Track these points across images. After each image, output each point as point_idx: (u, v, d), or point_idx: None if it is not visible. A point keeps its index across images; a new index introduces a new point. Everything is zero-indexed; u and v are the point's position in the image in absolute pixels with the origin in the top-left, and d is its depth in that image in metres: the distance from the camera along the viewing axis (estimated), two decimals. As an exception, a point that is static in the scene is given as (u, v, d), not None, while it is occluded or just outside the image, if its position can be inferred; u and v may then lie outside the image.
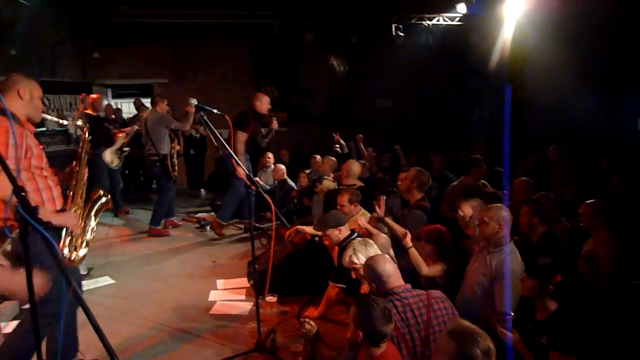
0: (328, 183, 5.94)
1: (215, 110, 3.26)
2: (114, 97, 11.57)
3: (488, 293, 3.16)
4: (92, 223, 2.95)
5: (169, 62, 10.77)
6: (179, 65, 10.83)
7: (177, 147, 7.24)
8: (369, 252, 3.26)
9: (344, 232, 3.88)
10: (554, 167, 6.51)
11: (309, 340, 2.95)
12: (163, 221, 6.80)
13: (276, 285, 4.04)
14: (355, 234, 3.87)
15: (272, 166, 7.85)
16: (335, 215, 4.01)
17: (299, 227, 4.64)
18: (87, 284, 4.61)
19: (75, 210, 2.86)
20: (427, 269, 3.52)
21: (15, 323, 3.84)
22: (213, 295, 4.50)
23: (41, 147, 2.75)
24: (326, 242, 4.04)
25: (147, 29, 9.84)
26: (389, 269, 2.76)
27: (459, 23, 10.21)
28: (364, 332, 2.31)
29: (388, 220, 3.93)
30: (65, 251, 2.72)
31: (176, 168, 6.90)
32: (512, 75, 9.47)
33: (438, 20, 10.20)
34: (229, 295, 4.51)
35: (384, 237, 3.73)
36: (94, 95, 7.38)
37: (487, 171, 5.65)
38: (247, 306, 4.23)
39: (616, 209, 4.02)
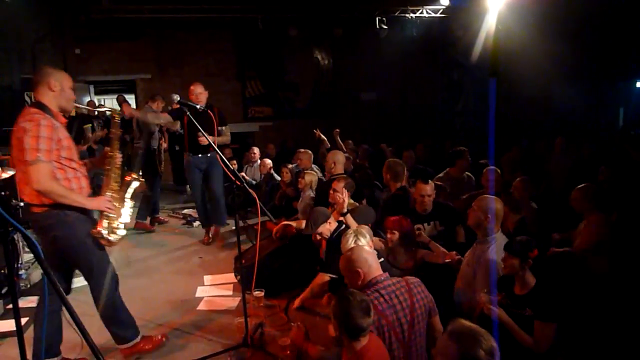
0: (311, 177, 5.91)
1: (198, 106, 3.26)
2: (96, 93, 11.46)
3: (472, 282, 3.23)
4: (128, 205, 3.06)
5: (151, 57, 10.67)
6: (162, 61, 10.74)
7: (164, 145, 7.21)
8: (366, 240, 3.30)
9: (332, 223, 3.92)
10: (556, 158, 6.71)
11: (296, 344, 2.99)
12: (148, 218, 6.76)
13: (263, 279, 4.05)
14: (344, 226, 3.91)
15: (259, 161, 7.85)
16: (321, 211, 4.05)
17: (285, 222, 4.65)
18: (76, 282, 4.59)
19: (111, 195, 2.99)
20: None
21: (1, 322, 3.85)
22: (200, 291, 4.50)
23: (70, 139, 2.88)
24: (316, 239, 4.08)
25: (129, 24, 9.72)
26: (370, 258, 2.78)
27: (443, 15, 10.25)
28: (342, 326, 2.33)
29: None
30: (104, 233, 2.89)
31: (162, 164, 6.89)
32: (496, 67, 9.53)
33: (422, 13, 10.23)
34: (217, 291, 4.52)
35: (366, 229, 3.77)
36: None
37: (471, 163, 5.72)
38: (234, 301, 4.24)
39: (607, 197, 4.13)
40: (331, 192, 4.37)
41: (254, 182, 7.39)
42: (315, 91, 11.82)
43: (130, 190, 3.10)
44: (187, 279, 4.82)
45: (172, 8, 9.27)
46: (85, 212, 2.88)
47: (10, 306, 4.13)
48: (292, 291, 4.22)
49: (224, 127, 5.63)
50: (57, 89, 2.83)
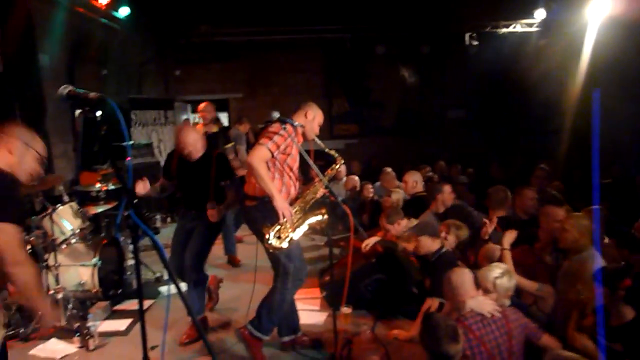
0: (398, 195, 5.87)
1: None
2: (193, 111, 12.17)
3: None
4: (304, 227, 3.28)
5: (244, 77, 11.21)
6: (253, 81, 11.24)
7: None
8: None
9: (436, 244, 3.85)
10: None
11: None
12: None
13: (349, 296, 4.04)
14: (445, 249, 3.84)
15: (345, 178, 7.89)
16: (432, 225, 4.02)
17: (375, 239, 4.63)
18: (168, 290, 4.86)
19: (296, 210, 3.27)
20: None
21: (107, 322, 4.14)
22: (288, 305, 4.57)
23: (297, 155, 3.39)
24: (411, 247, 4.02)
25: (224, 46, 10.32)
26: (468, 281, 2.75)
27: (537, 29, 9.83)
28: (429, 353, 2.25)
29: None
30: (270, 236, 3.14)
31: None
32: (597, 82, 8.93)
33: (514, 27, 9.88)
34: (303, 305, 4.56)
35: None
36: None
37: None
38: (321, 317, 4.27)
39: None
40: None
41: (339, 199, 7.43)
42: (401, 109, 11.75)
43: (313, 219, 3.31)
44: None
45: (265, 31, 9.70)
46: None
47: (117, 307, 4.47)
48: (379, 309, 4.17)
49: None
50: (310, 118, 3.46)
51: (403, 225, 4.68)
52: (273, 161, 3.22)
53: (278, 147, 3.16)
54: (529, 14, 9.52)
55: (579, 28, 8.54)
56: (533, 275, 3.39)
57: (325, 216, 3.29)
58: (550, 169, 6.84)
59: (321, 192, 3.34)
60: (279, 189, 3.21)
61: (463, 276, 2.82)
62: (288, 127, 3.25)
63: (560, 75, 9.88)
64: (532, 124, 11.38)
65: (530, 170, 7.13)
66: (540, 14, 9.25)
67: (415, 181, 5.47)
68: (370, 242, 4.60)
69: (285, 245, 3.17)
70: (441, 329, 2.22)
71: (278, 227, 3.15)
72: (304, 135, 3.48)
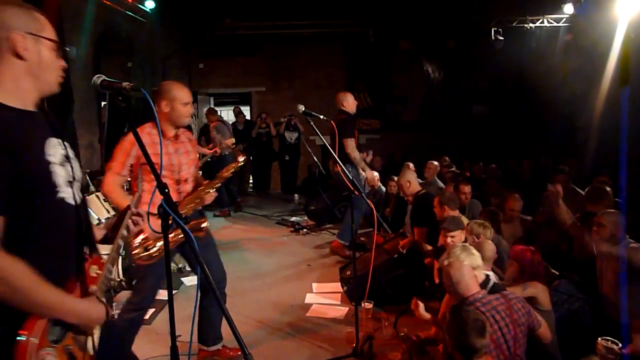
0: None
1: (321, 117, 3.34)
2: (215, 104, 12.26)
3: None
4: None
5: (266, 71, 11.23)
6: (275, 74, 11.26)
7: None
8: (467, 259, 3.13)
9: (460, 237, 3.81)
10: None
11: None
12: None
13: (371, 292, 4.03)
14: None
15: (364, 173, 7.85)
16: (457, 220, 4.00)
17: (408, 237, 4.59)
18: (190, 280, 4.92)
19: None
20: None
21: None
22: (309, 298, 4.58)
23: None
24: (447, 241, 3.95)
25: (247, 40, 10.34)
26: (467, 275, 2.70)
27: (565, 24, 9.61)
28: (456, 345, 2.23)
29: None
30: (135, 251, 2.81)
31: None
32: (626, 78, 8.70)
33: (542, 22, 9.68)
34: (324, 299, 4.57)
35: (489, 244, 3.55)
36: None
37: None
38: (342, 311, 4.26)
39: None
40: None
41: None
42: (424, 104, 11.63)
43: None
44: (296, 285, 4.94)
45: (288, 24, 9.69)
46: None
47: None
48: (399, 305, 4.15)
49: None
50: (168, 109, 2.92)
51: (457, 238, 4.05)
52: None
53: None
54: (557, 9, 9.31)
55: (608, 24, 8.33)
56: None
57: (205, 224, 2.88)
58: (577, 167, 6.69)
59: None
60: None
61: (462, 269, 2.73)
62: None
63: (587, 72, 9.66)
64: (558, 121, 11.16)
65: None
66: (568, 8, 9.04)
67: (407, 181, 5.31)
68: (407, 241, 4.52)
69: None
70: (470, 323, 2.21)
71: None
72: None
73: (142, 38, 8.48)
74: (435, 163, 6.97)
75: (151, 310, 4.19)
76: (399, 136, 11.24)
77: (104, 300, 1.54)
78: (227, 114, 13.79)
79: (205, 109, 10.82)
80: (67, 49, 6.26)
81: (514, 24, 9.69)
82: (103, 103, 7.70)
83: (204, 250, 2.92)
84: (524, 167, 8.17)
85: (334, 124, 3.29)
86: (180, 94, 2.94)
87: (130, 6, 7.56)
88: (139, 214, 1.80)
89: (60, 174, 1.50)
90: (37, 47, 1.46)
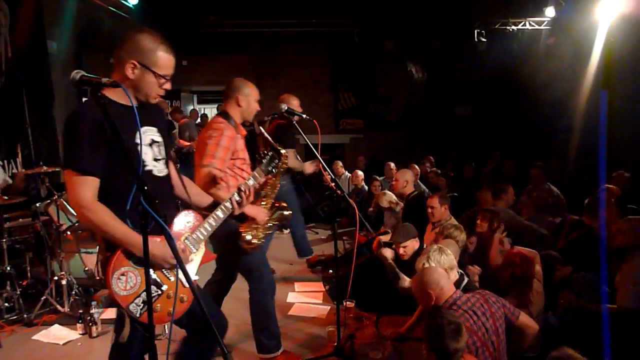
0: (389, 197, 5.77)
1: (304, 116, 3.34)
2: (199, 102, 12.17)
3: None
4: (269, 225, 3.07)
5: (251, 69, 11.17)
6: (260, 72, 11.19)
7: None
8: (443, 261, 3.17)
9: (413, 246, 3.86)
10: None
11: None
12: None
13: (352, 291, 4.04)
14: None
15: (346, 173, 7.90)
16: (413, 228, 3.98)
17: (380, 237, 4.61)
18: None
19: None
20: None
21: (111, 309, 4.15)
22: (291, 297, 4.59)
23: (246, 150, 3.07)
24: (402, 254, 4.00)
25: (231, 38, 10.29)
26: (443, 280, 2.72)
27: (547, 27, 9.76)
28: (432, 349, 2.24)
29: None
30: (248, 236, 2.90)
31: None
32: (607, 80, 8.86)
33: (524, 25, 9.81)
34: (306, 298, 4.57)
35: (453, 244, 3.61)
36: None
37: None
38: (324, 310, 4.27)
39: None
40: (429, 210, 4.34)
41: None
42: (407, 104, 11.72)
43: (276, 214, 3.07)
44: (278, 284, 4.87)
45: (273, 23, 9.67)
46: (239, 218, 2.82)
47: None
48: (380, 305, 4.17)
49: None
50: (244, 104, 3.05)
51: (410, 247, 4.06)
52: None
53: (224, 159, 2.92)
54: (539, 12, 9.45)
55: (588, 27, 8.47)
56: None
57: (287, 211, 3.11)
58: (558, 168, 6.79)
59: (278, 186, 3.06)
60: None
61: (434, 274, 2.74)
62: (224, 125, 2.97)
63: (568, 74, 9.82)
64: (539, 122, 11.33)
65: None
66: (550, 12, 9.18)
67: (406, 181, 5.32)
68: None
69: (259, 242, 2.97)
70: (445, 325, 2.21)
71: (256, 228, 2.91)
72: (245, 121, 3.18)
73: (125, 34, 8.37)
74: (416, 167, 6.98)
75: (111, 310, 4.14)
76: (382, 136, 11.30)
77: (197, 246, 2.15)
78: (210, 111, 13.69)
79: (190, 108, 10.76)
80: (48, 44, 6.17)
81: (496, 26, 9.81)
82: (84, 99, 7.59)
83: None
84: (506, 167, 8.29)
85: (316, 122, 3.26)
86: (253, 91, 3.09)
87: (114, 2, 7.46)
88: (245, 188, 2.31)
89: (148, 154, 2.03)
90: (143, 73, 1.98)
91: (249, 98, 3.06)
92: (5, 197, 4.05)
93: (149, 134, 2.05)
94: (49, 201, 4.27)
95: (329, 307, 4.28)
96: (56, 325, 3.89)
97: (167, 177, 2.14)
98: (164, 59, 2.00)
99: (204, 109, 14.22)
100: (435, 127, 11.35)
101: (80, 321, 3.79)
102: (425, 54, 11.25)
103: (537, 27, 9.80)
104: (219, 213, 2.24)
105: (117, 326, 2.03)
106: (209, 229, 2.19)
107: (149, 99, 2.01)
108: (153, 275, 1.93)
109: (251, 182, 2.45)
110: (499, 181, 6.43)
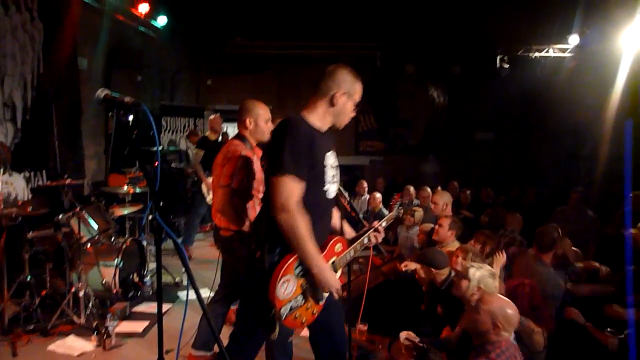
0: (420, 213, 5.81)
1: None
2: (223, 121, 12.36)
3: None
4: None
5: (273, 89, 11.35)
6: (282, 93, 11.38)
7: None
8: (490, 287, 3.02)
9: (445, 271, 3.78)
10: None
11: None
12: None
13: (365, 313, 4.00)
14: (453, 274, 3.75)
15: (367, 195, 7.90)
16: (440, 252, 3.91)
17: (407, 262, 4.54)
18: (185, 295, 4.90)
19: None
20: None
21: (125, 323, 4.20)
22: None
23: (262, 171, 3.06)
24: (421, 276, 3.94)
25: (255, 59, 10.50)
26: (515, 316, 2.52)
27: (570, 54, 9.72)
28: None
29: None
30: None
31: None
32: (632, 109, 8.75)
33: (547, 52, 9.79)
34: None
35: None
36: (212, 117, 7.02)
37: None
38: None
39: None
40: (436, 227, 4.30)
41: (361, 215, 7.42)
42: (428, 128, 11.72)
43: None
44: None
45: (296, 44, 9.85)
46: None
47: (136, 309, 4.53)
48: (393, 329, 4.11)
49: None
50: (252, 126, 3.14)
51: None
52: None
53: (242, 180, 3.07)
54: (563, 39, 9.43)
55: (612, 55, 8.42)
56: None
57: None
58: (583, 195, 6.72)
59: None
60: (248, 215, 3.05)
61: (512, 309, 2.48)
62: (240, 147, 3.14)
63: (591, 102, 9.72)
64: (560, 150, 11.19)
65: (564, 195, 7.02)
66: (574, 39, 9.16)
67: (445, 203, 5.10)
68: (410, 265, 4.43)
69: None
70: None
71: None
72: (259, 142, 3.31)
73: (153, 53, 8.62)
74: (429, 190, 6.92)
75: (145, 323, 4.20)
76: (402, 159, 11.30)
77: (338, 272, 2.30)
78: (233, 129, 13.88)
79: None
80: (79, 60, 6.38)
81: (519, 53, 9.81)
82: (110, 114, 7.78)
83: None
84: (528, 194, 8.19)
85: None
86: (263, 112, 3.16)
87: (143, 22, 7.71)
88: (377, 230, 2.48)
89: (329, 174, 2.22)
90: (344, 102, 2.29)
91: (257, 119, 3.14)
92: (30, 209, 4.17)
93: (332, 157, 2.25)
94: (71, 213, 4.37)
95: (342, 330, 4.23)
96: (72, 336, 3.94)
97: (335, 199, 2.33)
98: (360, 89, 2.34)
99: (227, 127, 14.44)
100: (456, 151, 11.30)
101: (95, 333, 3.83)
102: (446, 78, 11.28)
103: (560, 54, 9.76)
104: (358, 246, 2.40)
105: (265, 324, 2.13)
106: (349, 257, 2.36)
107: (342, 125, 2.31)
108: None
109: (384, 224, 2.53)
110: (519, 209, 6.38)
